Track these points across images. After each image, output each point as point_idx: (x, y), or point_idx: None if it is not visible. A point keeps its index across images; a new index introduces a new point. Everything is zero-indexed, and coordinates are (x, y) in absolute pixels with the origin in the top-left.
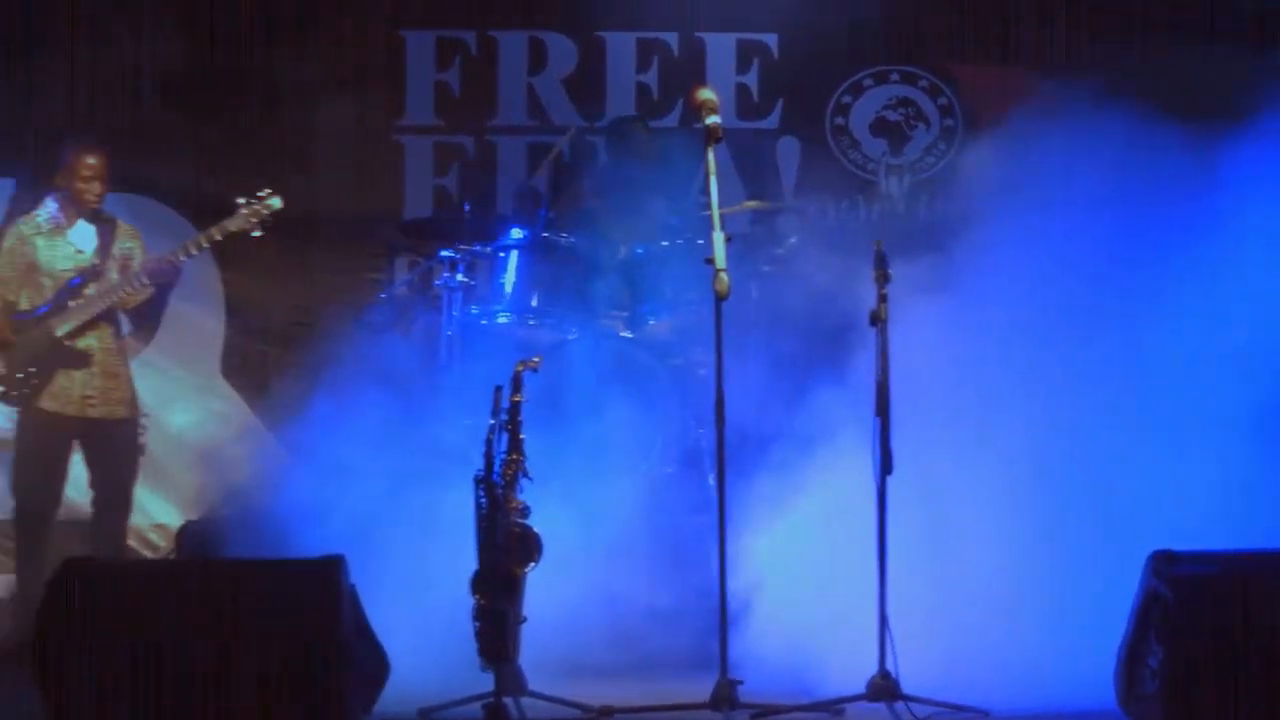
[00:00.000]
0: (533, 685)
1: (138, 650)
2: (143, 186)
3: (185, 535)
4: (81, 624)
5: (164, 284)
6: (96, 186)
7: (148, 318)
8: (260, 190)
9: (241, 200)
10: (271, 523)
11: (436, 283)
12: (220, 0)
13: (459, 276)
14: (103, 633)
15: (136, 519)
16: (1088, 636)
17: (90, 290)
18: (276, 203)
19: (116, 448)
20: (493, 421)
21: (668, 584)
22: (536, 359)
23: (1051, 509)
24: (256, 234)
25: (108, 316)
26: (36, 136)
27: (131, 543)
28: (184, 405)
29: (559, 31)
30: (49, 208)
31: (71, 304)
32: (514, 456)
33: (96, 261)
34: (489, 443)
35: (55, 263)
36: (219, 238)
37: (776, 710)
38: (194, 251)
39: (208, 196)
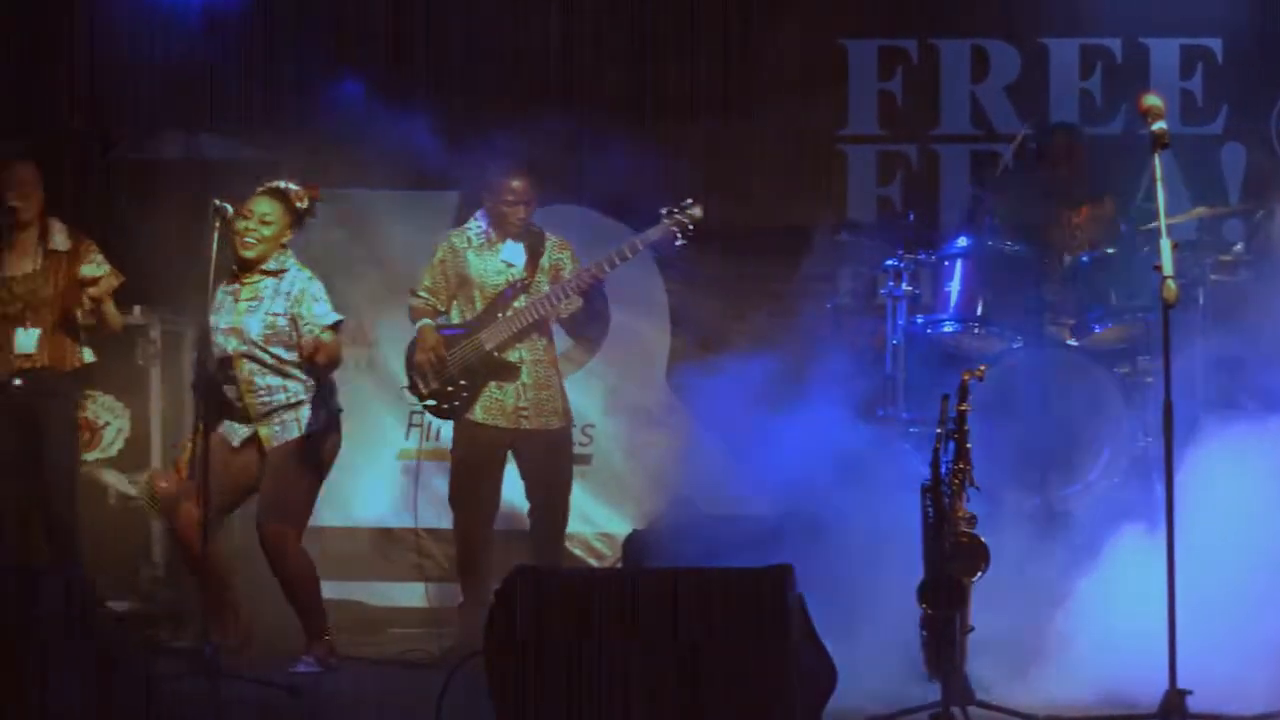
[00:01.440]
0: (980, 695)
1: (584, 657)
2: (583, 197)
3: (631, 544)
4: (531, 631)
5: (589, 295)
6: (521, 211)
7: (587, 328)
8: (685, 199)
9: (664, 210)
10: (718, 531)
11: (881, 291)
12: (665, 9)
13: (904, 286)
14: (551, 639)
15: (582, 528)
16: None
17: (519, 302)
18: (698, 212)
19: (550, 458)
20: (939, 430)
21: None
22: (982, 368)
23: None
24: (679, 243)
25: (539, 328)
26: (476, 149)
27: (577, 551)
28: (629, 415)
29: (1001, 39)
30: (479, 222)
31: (501, 316)
32: (960, 466)
33: (526, 275)
34: (936, 452)
35: (486, 276)
36: (641, 248)
37: None
38: (617, 262)
39: (647, 206)
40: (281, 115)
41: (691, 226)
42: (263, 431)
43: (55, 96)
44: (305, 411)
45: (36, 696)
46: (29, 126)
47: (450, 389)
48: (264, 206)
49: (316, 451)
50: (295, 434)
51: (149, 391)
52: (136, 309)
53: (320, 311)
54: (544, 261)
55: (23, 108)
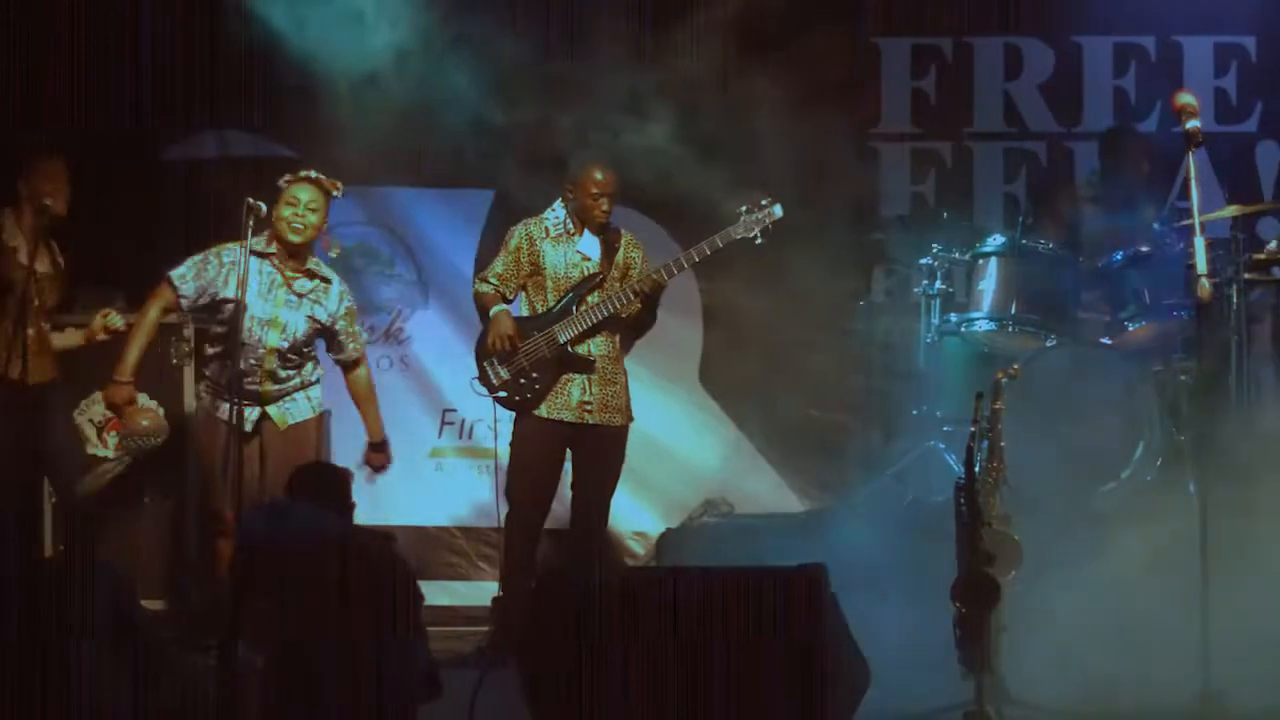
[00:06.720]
0: (1019, 694)
1: (619, 657)
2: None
3: (665, 542)
4: (566, 630)
5: (654, 295)
6: (605, 204)
7: (637, 330)
8: (761, 198)
9: (744, 208)
10: (750, 530)
11: (915, 289)
12: (687, 6)
13: (938, 284)
14: (586, 639)
15: (617, 526)
16: None
17: (593, 298)
18: (778, 210)
19: (606, 456)
20: (973, 429)
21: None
22: (1016, 367)
23: None
24: (758, 242)
25: (609, 324)
26: (515, 151)
27: (611, 549)
28: (663, 413)
29: (1035, 37)
30: (557, 213)
31: (575, 311)
32: (994, 464)
33: (600, 270)
34: (970, 450)
35: (561, 268)
36: (721, 245)
37: None
38: (695, 259)
39: (682, 205)
40: (313, 112)
41: (771, 225)
42: (273, 411)
43: (100, 94)
44: (316, 391)
45: (82, 696)
46: (61, 121)
47: (523, 381)
48: (308, 194)
49: (325, 430)
50: (309, 413)
51: (181, 391)
52: None
53: (362, 339)
54: (618, 258)
55: (45, 99)
